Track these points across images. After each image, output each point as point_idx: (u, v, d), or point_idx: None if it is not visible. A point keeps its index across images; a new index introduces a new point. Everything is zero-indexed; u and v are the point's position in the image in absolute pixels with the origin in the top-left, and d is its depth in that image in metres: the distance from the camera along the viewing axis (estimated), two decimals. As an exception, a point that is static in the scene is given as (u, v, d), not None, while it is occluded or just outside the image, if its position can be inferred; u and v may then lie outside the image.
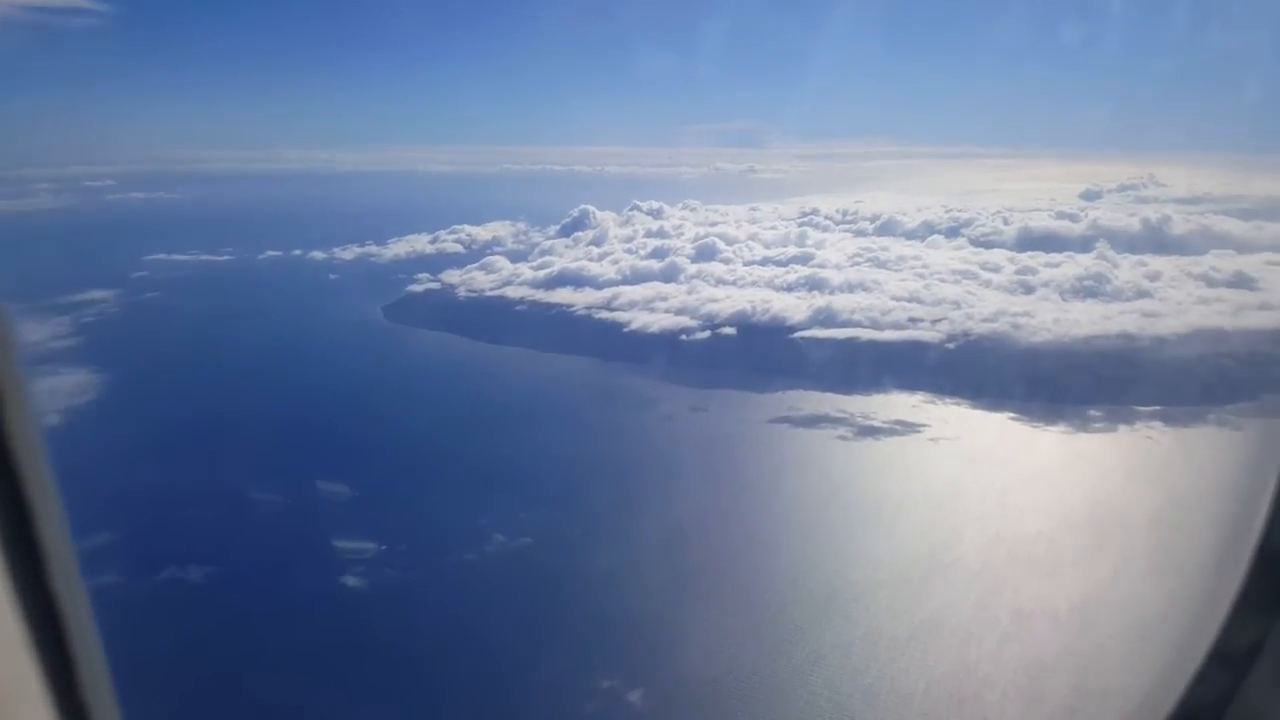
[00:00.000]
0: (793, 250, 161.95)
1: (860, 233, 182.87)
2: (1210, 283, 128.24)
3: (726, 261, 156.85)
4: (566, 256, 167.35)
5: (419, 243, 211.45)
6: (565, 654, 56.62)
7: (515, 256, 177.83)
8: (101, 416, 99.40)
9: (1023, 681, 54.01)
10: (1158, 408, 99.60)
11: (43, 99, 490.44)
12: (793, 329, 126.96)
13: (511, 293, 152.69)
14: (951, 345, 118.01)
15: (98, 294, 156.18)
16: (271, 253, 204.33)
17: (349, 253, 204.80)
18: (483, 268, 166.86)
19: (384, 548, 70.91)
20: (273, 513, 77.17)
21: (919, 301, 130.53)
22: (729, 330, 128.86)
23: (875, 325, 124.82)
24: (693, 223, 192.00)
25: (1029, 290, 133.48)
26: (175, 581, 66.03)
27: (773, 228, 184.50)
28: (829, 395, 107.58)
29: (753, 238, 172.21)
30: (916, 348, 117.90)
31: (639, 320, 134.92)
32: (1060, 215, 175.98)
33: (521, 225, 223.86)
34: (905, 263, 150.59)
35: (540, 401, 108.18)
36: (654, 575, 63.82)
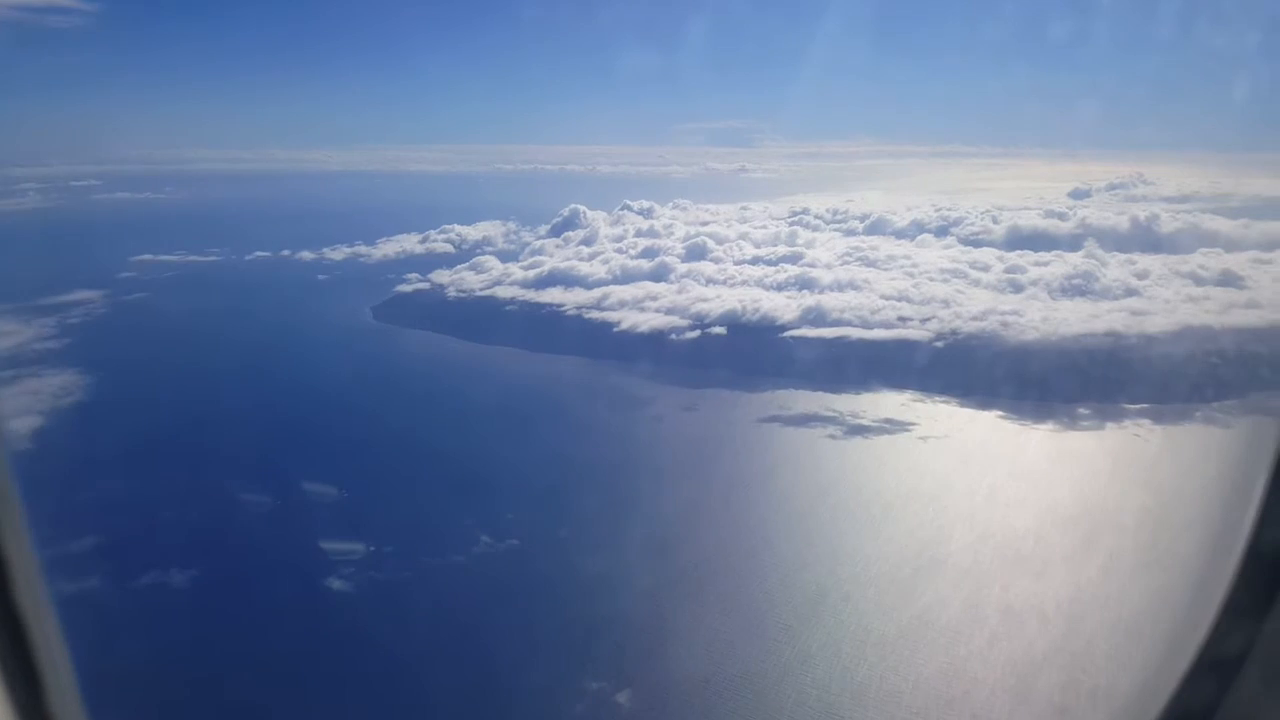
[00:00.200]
0: (783, 249, 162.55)
1: (850, 232, 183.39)
2: (1198, 281, 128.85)
3: (717, 261, 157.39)
4: (557, 256, 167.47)
5: (408, 243, 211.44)
6: (553, 655, 56.38)
7: (505, 256, 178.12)
8: (88, 418, 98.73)
9: (1011, 680, 53.95)
10: (1146, 405, 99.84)
11: (28, 99, 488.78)
12: (783, 328, 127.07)
13: (502, 293, 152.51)
14: (940, 344, 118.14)
15: (84, 294, 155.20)
16: (260, 253, 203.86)
17: (338, 253, 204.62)
18: (473, 268, 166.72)
19: (372, 549, 70.50)
20: (260, 514, 76.67)
21: (908, 300, 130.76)
22: (719, 329, 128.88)
23: (865, 324, 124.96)
24: (683, 222, 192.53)
25: (1018, 289, 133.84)
26: (159, 585, 65.46)
27: (763, 227, 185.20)
28: (819, 394, 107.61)
29: (743, 237, 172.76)
30: (906, 346, 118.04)
31: (629, 320, 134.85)
32: (1049, 214, 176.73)
33: (512, 225, 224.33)
34: (895, 262, 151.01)
35: (530, 401, 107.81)
36: (643, 575, 63.64)
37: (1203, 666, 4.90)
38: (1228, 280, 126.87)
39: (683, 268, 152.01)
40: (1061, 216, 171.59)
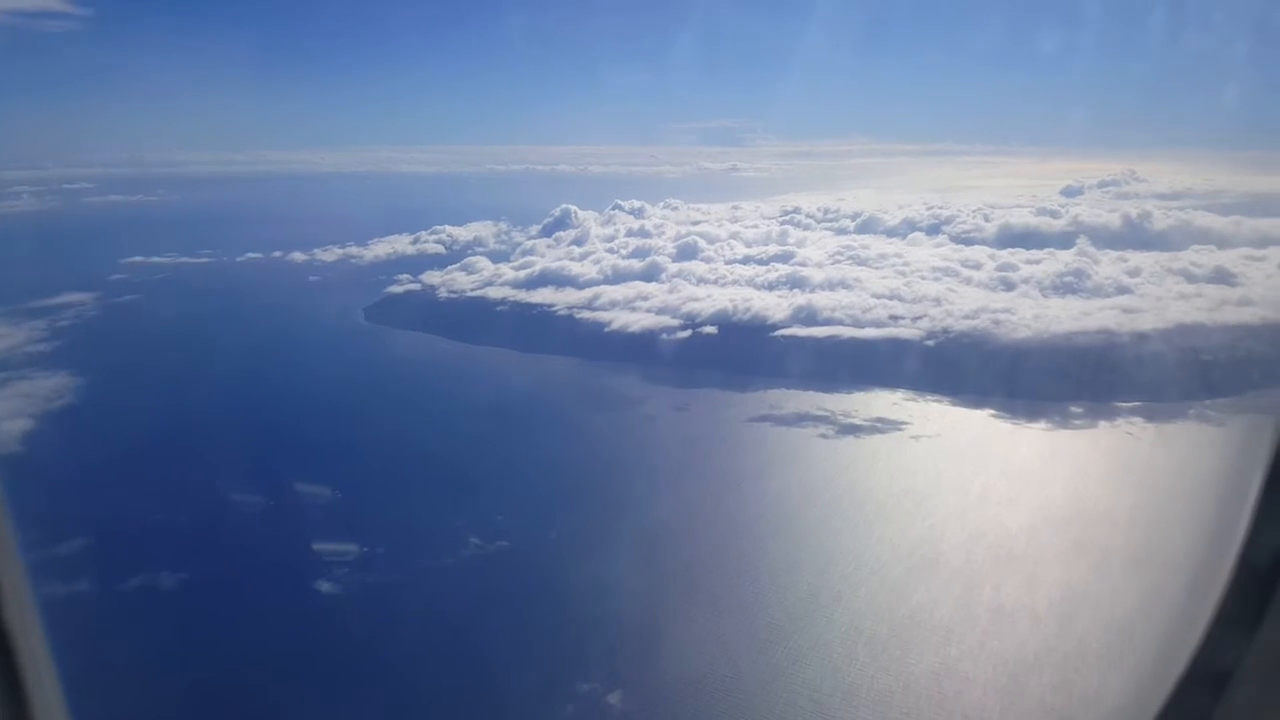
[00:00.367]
0: (774, 249, 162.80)
1: (841, 231, 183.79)
2: (1191, 278, 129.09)
3: (708, 260, 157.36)
4: (548, 256, 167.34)
5: (400, 243, 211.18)
6: (544, 657, 56.18)
7: (497, 257, 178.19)
8: (79, 420, 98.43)
9: (1003, 679, 53.87)
10: (1138, 403, 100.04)
11: (21, 102, 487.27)
12: (774, 327, 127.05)
13: (493, 293, 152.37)
14: (932, 342, 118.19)
15: (76, 296, 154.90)
16: (251, 254, 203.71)
17: (330, 254, 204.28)
18: (464, 268, 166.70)
19: (365, 549, 70.23)
20: (251, 516, 76.31)
21: (900, 299, 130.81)
22: (710, 329, 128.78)
23: (856, 323, 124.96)
24: (674, 222, 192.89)
25: (1010, 287, 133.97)
26: (148, 588, 65.09)
27: (754, 226, 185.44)
28: (810, 393, 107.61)
29: (734, 236, 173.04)
30: (897, 345, 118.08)
31: (620, 320, 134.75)
32: (1041, 212, 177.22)
33: (503, 225, 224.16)
34: (886, 260, 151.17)
35: (521, 402, 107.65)
36: (634, 576, 63.55)
37: (1197, 669, 4.83)
38: (1220, 277, 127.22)
39: (674, 267, 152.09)
40: (1053, 214, 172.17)
